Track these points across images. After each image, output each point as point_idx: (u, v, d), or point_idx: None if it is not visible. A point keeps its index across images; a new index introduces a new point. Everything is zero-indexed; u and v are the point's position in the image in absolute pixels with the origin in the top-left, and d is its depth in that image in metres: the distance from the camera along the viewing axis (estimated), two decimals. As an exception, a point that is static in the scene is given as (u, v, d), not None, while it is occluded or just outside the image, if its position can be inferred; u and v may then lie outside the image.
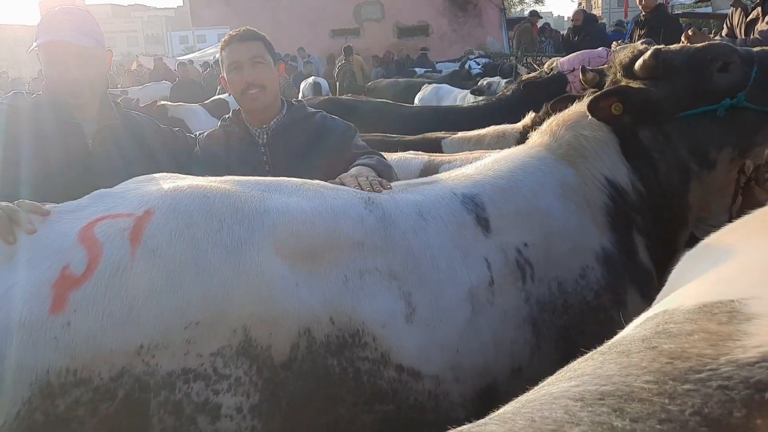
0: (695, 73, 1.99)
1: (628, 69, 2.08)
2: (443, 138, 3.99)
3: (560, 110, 3.27)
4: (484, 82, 7.96)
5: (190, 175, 1.76)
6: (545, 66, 4.93)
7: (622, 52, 2.14)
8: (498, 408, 0.74)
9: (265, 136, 2.53)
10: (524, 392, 0.76)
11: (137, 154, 2.41)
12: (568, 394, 0.68)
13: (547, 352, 1.76)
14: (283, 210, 1.56)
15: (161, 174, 1.67)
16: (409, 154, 3.28)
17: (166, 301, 1.34)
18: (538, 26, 15.70)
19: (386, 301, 1.60)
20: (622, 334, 0.83)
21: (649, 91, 1.99)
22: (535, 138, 2.11)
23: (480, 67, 13.45)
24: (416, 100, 8.40)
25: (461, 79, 11.33)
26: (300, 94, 11.82)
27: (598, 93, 2.06)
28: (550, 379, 0.76)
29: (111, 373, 1.29)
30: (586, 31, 10.04)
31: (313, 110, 2.62)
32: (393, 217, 1.72)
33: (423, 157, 3.32)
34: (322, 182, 1.81)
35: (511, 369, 1.74)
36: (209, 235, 1.43)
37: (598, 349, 0.79)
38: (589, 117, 2.00)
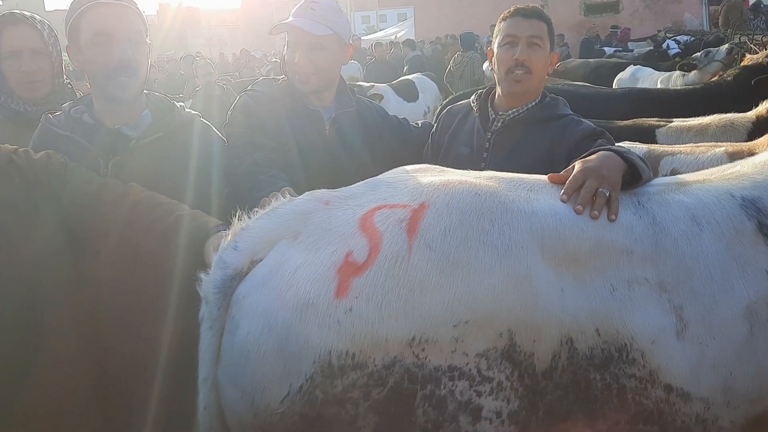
0: None
1: None
2: (657, 126, 3.61)
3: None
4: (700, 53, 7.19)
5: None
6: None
7: None
8: None
9: (499, 123, 2.33)
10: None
11: (370, 140, 2.45)
12: None
13: None
14: (551, 213, 1.49)
15: (425, 165, 1.67)
16: (625, 144, 3.03)
17: (438, 296, 1.33)
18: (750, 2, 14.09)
19: (656, 314, 1.47)
20: None
21: None
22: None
23: (680, 46, 12.36)
24: (615, 82, 7.89)
25: (657, 59, 10.47)
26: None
27: None
28: None
29: (384, 360, 1.31)
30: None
31: (565, 113, 2.32)
32: (664, 221, 1.57)
33: (641, 147, 3.06)
34: None
35: (790, 398, 1.55)
36: (481, 235, 1.39)
37: None
38: None
